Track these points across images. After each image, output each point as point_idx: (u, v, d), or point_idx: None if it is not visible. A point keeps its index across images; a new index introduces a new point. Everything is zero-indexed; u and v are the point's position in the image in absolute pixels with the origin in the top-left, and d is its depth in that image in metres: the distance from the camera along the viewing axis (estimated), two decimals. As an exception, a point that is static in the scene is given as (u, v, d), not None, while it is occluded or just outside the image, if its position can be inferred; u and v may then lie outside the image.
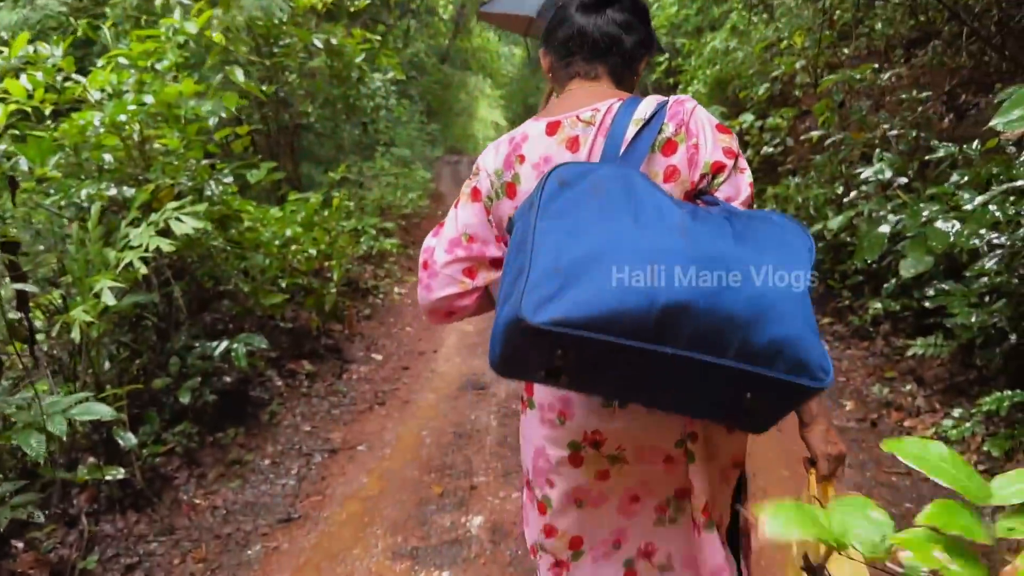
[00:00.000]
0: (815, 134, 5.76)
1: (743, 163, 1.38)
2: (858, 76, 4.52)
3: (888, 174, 3.89)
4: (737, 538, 1.59)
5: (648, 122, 1.31)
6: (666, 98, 1.39)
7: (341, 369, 4.78)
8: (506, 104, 27.99)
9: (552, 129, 1.40)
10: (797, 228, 1.24)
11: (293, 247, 4.96)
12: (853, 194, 4.37)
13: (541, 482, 1.53)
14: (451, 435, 3.94)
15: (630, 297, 1.06)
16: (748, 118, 7.12)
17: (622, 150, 1.30)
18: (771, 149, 6.19)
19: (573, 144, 1.38)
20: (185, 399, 3.43)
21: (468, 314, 1.53)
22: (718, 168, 1.34)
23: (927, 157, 4.22)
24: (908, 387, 3.85)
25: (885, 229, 3.30)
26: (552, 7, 1.61)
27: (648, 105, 1.35)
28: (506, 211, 1.41)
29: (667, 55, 9.31)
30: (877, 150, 4.84)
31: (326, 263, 5.54)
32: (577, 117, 1.39)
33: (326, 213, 5.90)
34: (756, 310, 1.10)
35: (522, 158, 1.41)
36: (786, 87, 6.64)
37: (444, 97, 24.70)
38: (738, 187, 1.36)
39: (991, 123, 2.08)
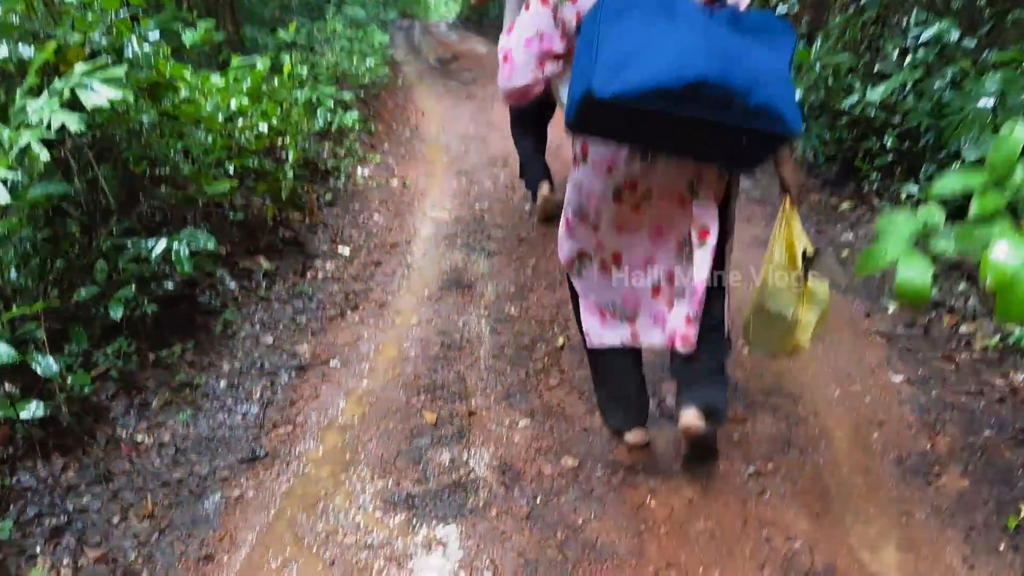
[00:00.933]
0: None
1: None
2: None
3: (954, 35, 3.27)
4: (723, 259, 2.19)
5: None
6: None
7: (304, 266, 4.15)
8: (459, -34, 25.93)
9: None
10: (785, 25, 1.79)
11: (240, 122, 4.20)
12: (908, 59, 3.75)
13: (592, 214, 2.15)
14: (438, 346, 3.39)
15: (664, 76, 1.58)
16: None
17: None
18: (783, 8, 5.46)
19: None
20: (116, 312, 2.79)
21: (534, 96, 2.09)
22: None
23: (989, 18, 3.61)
24: (960, 286, 3.39)
25: (986, 104, 2.71)
26: None
27: None
28: (568, 14, 1.91)
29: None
30: (915, 10, 4.20)
31: (279, 141, 4.79)
32: None
33: (276, 82, 5.07)
34: (750, 82, 1.62)
35: None
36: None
37: (395, -44, 22.83)
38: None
39: None
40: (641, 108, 1.62)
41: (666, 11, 1.68)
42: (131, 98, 2.19)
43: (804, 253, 2.08)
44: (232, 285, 3.65)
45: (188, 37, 4.78)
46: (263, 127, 4.14)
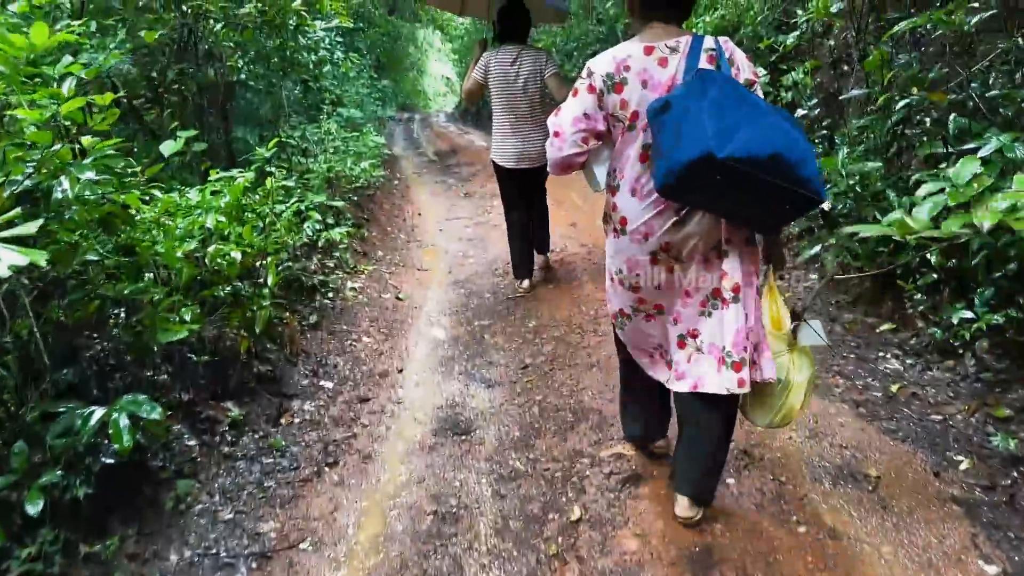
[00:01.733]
0: (856, 93, 4.73)
1: (757, 77, 2.37)
2: (945, 17, 3.47)
3: (1020, 152, 2.87)
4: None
5: (717, 51, 2.25)
6: (717, 37, 2.30)
7: (279, 410, 3.66)
8: (458, 59, 26.27)
9: (648, 51, 2.26)
10: (786, 112, 2.23)
11: (212, 248, 3.78)
12: (953, 171, 3.34)
13: (635, 278, 2.52)
14: (431, 517, 2.87)
15: (757, 147, 2.00)
16: (759, 71, 6.06)
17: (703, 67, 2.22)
18: (803, 111, 5.13)
19: (663, 62, 2.25)
20: (35, 507, 2.28)
21: (577, 166, 2.47)
22: (751, 83, 2.32)
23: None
24: (1047, 440, 2.89)
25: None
26: None
27: (710, 41, 2.27)
28: (613, 101, 2.30)
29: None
30: (953, 115, 3.83)
31: (259, 262, 4.37)
32: (665, 45, 2.26)
33: (261, 194, 4.70)
34: (801, 156, 2.06)
35: (628, 67, 2.26)
36: (817, 37, 5.58)
37: (393, 51, 23.19)
38: (759, 95, 2.29)
39: None
40: (737, 170, 2.00)
41: (741, 93, 2.12)
42: (42, 261, 1.76)
43: (794, 310, 2.47)
44: (192, 443, 3.15)
45: (167, 148, 4.42)
46: (237, 255, 3.71)
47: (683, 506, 2.63)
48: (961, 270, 3.71)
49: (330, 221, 5.96)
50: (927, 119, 4.23)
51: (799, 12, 5.69)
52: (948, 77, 4.20)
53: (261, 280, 4.20)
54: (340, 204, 6.08)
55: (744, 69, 2.30)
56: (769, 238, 2.46)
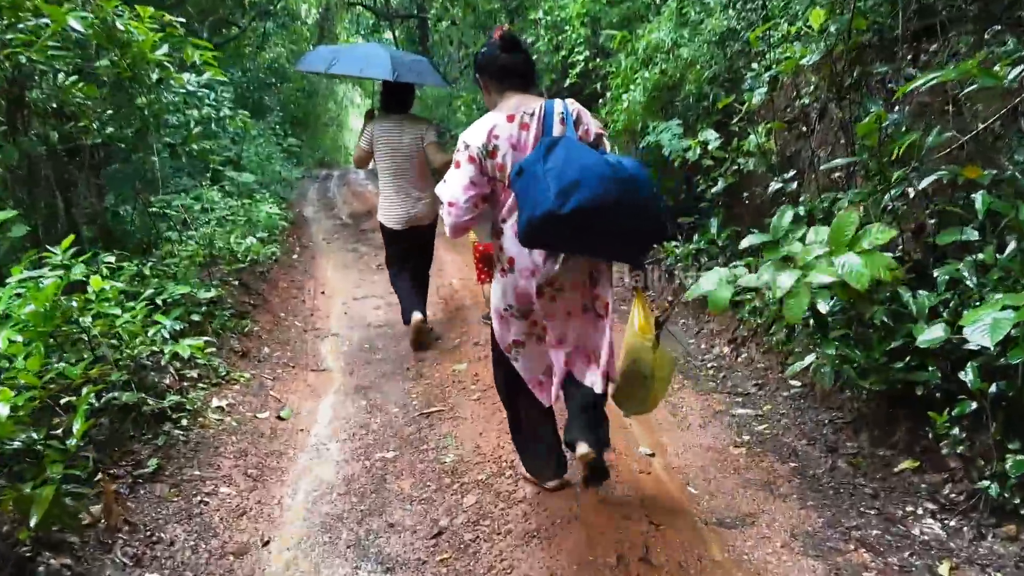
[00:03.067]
0: (840, 162, 3.88)
1: (604, 130, 2.84)
2: (975, 74, 2.63)
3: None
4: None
5: (565, 114, 2.70)
6: (565, 100, 2.75)
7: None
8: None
9: (510, 119, 2.67)
10: (637, 164, 2.63)
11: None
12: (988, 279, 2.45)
13: (527, 306, 2.86)
14: None
15: (596, 200, 2.38)
16: (710, 136, 5.22)
17: (555, 130, 2.65)
18: (778, 184, 4.24)
19: (525, 127, 2.66)
20: None
21: (471, 228, 2.83)
22: (599, 135, 2.78)
23: None
24: None
25: None
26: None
27: (559, 105, 2.70)
28: (491, 165, 2.68)
29: (584, 56, 7.34)
30: (982, 193, 2.99)
31: (68, 398, 3.18)
32: (524, 112, 2.67)
33: (76, 300, 3.51)
34: (641, 200, 2.51)
35: (497, 136, 2.66)
36: (781, 93, 4.77)
37: (309, 107, 22.16)
38: (606, 146, 2.79)
39: None
40: (579, 221, 2.39)
41: (583, 152, 2.51)
42: None
43: (658, 319, 2.88)
44: None
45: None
46: (4, 407, 2.52)
47: (583, 450, 2.88)
48: (1008, 399, 2.80)
49: (196, 318, 4.77)
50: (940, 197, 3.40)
51: (753, 67, 4.89)
52: (949, 143, 3.39)
53: (69, 428, 2.99)
54: (211, 294, 4.89)
55: (592, 126, 2.79)
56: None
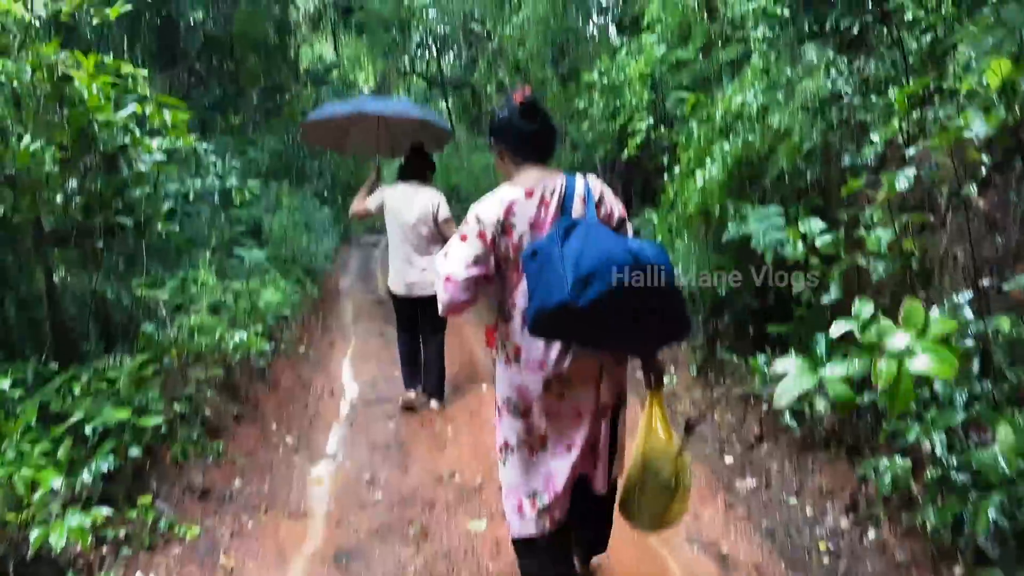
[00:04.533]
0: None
1: (625, 212, 2.65)
2: None
3: None
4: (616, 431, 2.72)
5: (587, 193, 2.49)
6: (587, 177, 2.55)
7: None
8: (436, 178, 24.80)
9: (529, 194, 2.45)
10: (661, 251, 2.35)
11: None
12: None
13: (527, 404, 2.56)
14: None
15: (621, 288, 2.17)
16: (815, 227, 3.94)
17: (576, 210, 2.44)
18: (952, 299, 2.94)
19: (544, 203, 2.45)
20: None
21: (468, 308, 2.50)
22: (622, 218, 2.60)
23: None
24: None
25: None
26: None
27: (581, 183, 2.49)
28: (505, 243, 2.45)
29: (647, 123, 6.22)
30: None
31: None
32: (544, 186, 2.46)
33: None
34: (671, 289, 2.32)
35: (514, 212, 2.43)
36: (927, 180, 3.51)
37: (360, 173, 21.64)
38: (629, 230, 2.62)
39: None
40: (595, 313, 2.19)
41: (604, 235, 2.31)
42: None
43: (688, 422, 2.73)
44: None
45: None
46: None
47: (579, 562, 2.89)
48: None
49: (135, 452, 3.65)
50: None
51: (873, 139, 3.69)
52: None
53: None
54: (157, 421, 3.77)
55: (616, 207, 2.60)
56: (653, 360, 2.64)
